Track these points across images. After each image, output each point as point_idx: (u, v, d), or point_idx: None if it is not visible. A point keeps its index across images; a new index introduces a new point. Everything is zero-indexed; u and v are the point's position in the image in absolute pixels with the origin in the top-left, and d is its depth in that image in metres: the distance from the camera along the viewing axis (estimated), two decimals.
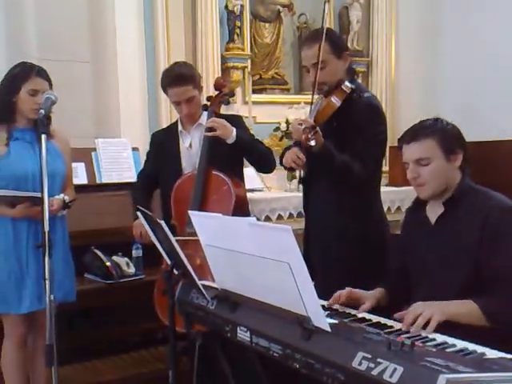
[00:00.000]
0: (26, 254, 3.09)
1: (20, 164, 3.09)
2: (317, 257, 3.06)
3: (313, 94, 3.08)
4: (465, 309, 2.11)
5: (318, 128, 2.77)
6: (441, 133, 2.31)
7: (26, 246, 3.09)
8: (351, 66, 3.21)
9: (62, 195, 3.10)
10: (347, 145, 2.90)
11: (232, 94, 3.73)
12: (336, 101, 2.94)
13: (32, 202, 3.02)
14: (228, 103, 3.66)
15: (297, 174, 3.17)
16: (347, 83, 2.99)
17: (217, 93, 3.56)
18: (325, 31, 2.95)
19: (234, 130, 3.31)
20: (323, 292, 2.71)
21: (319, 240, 3.10)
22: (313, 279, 2.88)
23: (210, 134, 3.29)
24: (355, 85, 3.05)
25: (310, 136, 2.73)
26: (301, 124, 2.78)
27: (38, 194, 2.96)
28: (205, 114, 3.50)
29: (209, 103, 3.53)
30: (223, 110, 4.01)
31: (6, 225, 3.09)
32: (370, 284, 2.54)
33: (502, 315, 2.10)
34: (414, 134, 2.34)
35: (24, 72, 3.11)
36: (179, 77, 3.39)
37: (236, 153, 3.38)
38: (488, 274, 2.18)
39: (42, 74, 3.13)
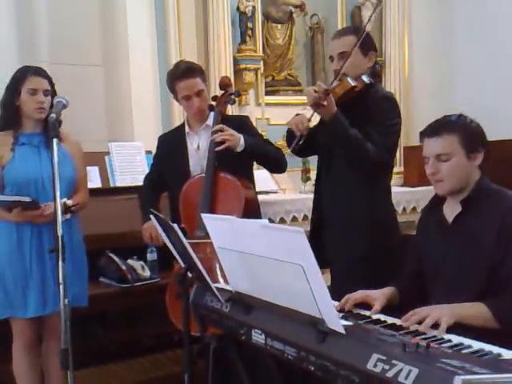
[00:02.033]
0: (29, 257, 3.11)
1: (23, 170, 3.11)
2: (330, 247, 3.07)
3: (333, 81, 3.04)
4: (475, 311, 2.09)
5: (331, 94, 2.80)
6: (464, 130, 2.29)
7: (29, 250, 3.11)
8: (375, 69, 3.23)
9: (64, 199, 3.10)
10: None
11: (238, 94, 3.66)
12: (351, 80, 2.95)
13: (23, 207, 3.04)
14: (234, 103, 3.63)
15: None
16: (366, 76, 3.02)
17: (222, 92, 3.53)
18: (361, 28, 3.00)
19: (242, 137, 3.29)
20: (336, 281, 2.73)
21: (331, 230, 3.09)
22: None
23: (221, 147, 3.25)
24: (374, 82, 3.08)
25: (322, 96, 2.76)
26: (315, 90, 2.81)
27: (25, 198, 3.00)
28: (212, 114, 3.47)
29: (215, 103, 3.49)
30: (236, 110, 3.96)
31: (10, 228, 3.11)
32: (383, 274, 2.57)
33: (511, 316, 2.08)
34: (437, 128, 2.31)
35: (21, 74, 3.16)
36: (189, 69, 3.39)
37: (245, 158, 3.35)
38: (502, 274, 2.16)
39: (39, 72, 3.17)
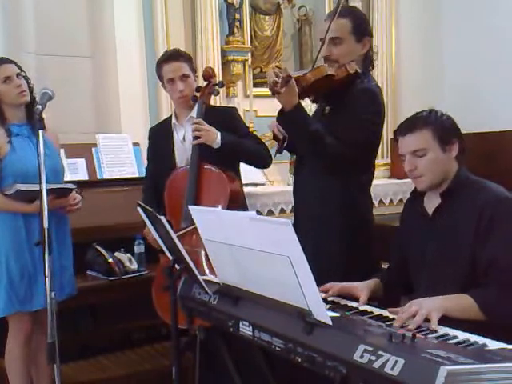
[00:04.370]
0: (38, 250, 3.09)
1: (27, 159, 3.09)
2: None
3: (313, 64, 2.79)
4: (461, 303, 2.10)
5: (292, 81, 2.56)
6: (435, 123, 2.31)
7: None
8: (370, 57, 2.95)
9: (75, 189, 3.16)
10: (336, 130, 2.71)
11: (222, 85, 3.62)
12: (329, 69, 2.70)
13: (55, 195, 3.04)
14: (218, 94, 3.61)
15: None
16: (353, 64, 2.76)
17: (206, 83, 3.51)
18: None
19: (219, 134, 3.27)
20: None
21: (301, 229, 2.76)
22: None
23: (194, 142, 3.27)
24: (363, 72, 2.84)
25: (279, 81, 2.53)
26: (276, 74, 2.57)
27: (69, 186, 3.08)
28: (196, 106, 3.45)
29: (198, 94, 3.47)
30: (223, 102, 3.92)
31: (17, 222, 3.10)
32: (356, 275, 2.52)
33: (497, 307, 2.09)
34: (409, 125, 2.34)
35: None
36: (176, 52, 3.47)
37: (224, 155, 3.32)
38: (483, 264, 2.17)
39: (4, 60, 3.19)
